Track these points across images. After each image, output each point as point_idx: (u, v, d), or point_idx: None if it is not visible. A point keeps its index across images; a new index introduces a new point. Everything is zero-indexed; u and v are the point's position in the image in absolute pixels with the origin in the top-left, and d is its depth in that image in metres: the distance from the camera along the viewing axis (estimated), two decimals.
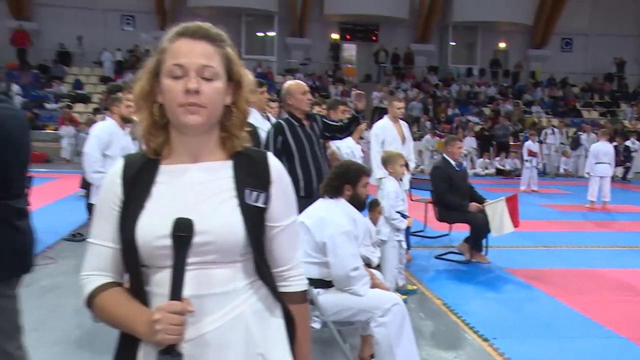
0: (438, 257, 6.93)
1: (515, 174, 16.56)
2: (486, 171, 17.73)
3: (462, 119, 20.38)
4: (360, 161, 5.62)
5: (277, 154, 4.38)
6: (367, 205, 5.26)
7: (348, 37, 25.32)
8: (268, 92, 6.23)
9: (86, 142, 5.47)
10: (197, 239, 1.36)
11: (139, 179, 1.46)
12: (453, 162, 6.77)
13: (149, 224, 1.39)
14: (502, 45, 25.54)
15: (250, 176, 1.48)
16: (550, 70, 24.47)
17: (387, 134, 6.67)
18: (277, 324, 1.51)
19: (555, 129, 18.82)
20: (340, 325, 3.59)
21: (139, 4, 23.08)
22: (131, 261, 1.41)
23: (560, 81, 24.17)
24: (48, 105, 20.10)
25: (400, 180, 5.66)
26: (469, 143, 18.39)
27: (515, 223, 6.46)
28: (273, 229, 1.49)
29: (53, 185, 11.89)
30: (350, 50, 25.89)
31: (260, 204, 1.45)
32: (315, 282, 3.40)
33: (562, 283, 5.93)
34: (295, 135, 4.66)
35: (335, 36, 24.95)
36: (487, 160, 18.11)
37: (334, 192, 3.59)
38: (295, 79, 22.32)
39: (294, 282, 1.56)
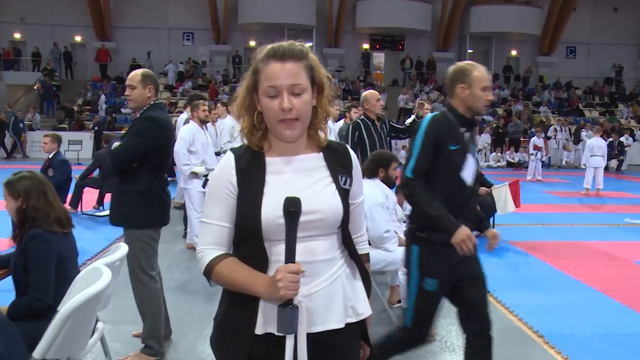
0: None
1: (523, 166, 16.90)
2: (498, 164, 18.10)
3: (477, 118, 20.64)
4: None
5: (353, 146, 5.16)
6: (395, 188, 5.95)
7: (377, 46, 25.72)
8: None
9: (175, 143, 6.24)
10: (308, 217, 1.48)
11: (250, 169, 1.55)
12: None
13: (270, 206, 1.48)
14: (513, 52, 25.66)
15: (339, 164, 1.60)
16: (556, 75, 24.51)
17: None
18: (359, 281, 1.64)
19: (562, 127, 19.03)
20: (375, 274, 4.28)
21: (197, 22, 23.90)
22: (254, 236, 1.51)
23: (565, 84, 24.21)
24: (123, 110, 21.16)
25: None
26: (485, 139, 18.81)
27: (517, 204, 7.01)
28: (352, 205, 1.62)
29: None
30: (379, 58, 26.33)
31: (347, 187, 1.59)
32: None
33: (554, 252, 6.47)
34: (369, 132, 5.38)
35: (365, 46, 25.39)
36: (499, 154, 18.46)
37: (371, 173, 4.25)
38: (330, 85, 22.99)
39: (364, 245, 1.72)
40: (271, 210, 1.47)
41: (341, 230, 1.57)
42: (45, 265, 2.62)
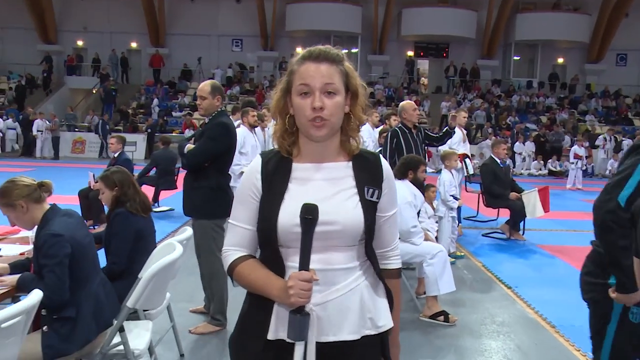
0: (484, 235, 7.92)
1: (565, 174, 16.93)
2: (540, 172, 18.17)
3: (521, 126, 20.76)
4: None
5: (392, 152, 5.76)
6: (424, 188, 6.46)
7: (422, 54, 26.06)
8: None
9: None
10: (327, 228, 1.47)
11: (276, 174, 1.55)
12: (498, 160, 7.75)
13: (288, 213, 1.48)
14: (560, 60, 25.50)
15: (367, 175, 1.56)
16: (604, 83, 24.22)
17: (455, 136, 7.75)
18: (382, 295, 1.61)
19: (611, 136, 18.87)
20: (402, 265, 4.80)
21: (246, 29, 24.83)
22: (270, 241, 1.51)
23: (613, 93, 23.90)
24: (174, 114, 22.26)
25: (456, 170, 6.81)
26: (529, 147, 18.92)
27: (546, 209, 7.37)
28: (381, 218, 1.58)
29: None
30: (423, 65, 26.65)
31: (374, 199, 1.54)
32: None
33: (579, 255, 6.74)
34: (406, 139, 5.94)
35: (410, 53, 25.77)
36: (540, 162, 18.52)
37: (401, 175, 4.78)
38: (375, 91, 23.54)
39: (393, 260, 1.68)
40: (288, 217, 1.47)
41: (364, 243, 1.54)
42: (123, 236, 3.27)
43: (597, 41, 24.13)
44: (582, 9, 24.32)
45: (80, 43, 25.01)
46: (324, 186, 1.52)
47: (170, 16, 24.68)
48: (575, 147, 14.37)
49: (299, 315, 1.42)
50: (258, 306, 1.55)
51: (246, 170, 1.60)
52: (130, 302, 2.72)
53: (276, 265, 1.51)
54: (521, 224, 7.68)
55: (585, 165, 15.18)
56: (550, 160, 18.43)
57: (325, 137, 1.51)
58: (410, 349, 3.91)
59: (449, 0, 24.53)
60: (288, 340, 1.46)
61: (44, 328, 2.55)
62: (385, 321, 1.59)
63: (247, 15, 24.32)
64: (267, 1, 23.52)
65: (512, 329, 4.41)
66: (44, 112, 19.64)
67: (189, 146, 3.97)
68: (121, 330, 2.73)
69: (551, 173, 17.96)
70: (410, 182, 4.80)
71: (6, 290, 2.57)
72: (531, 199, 7.32)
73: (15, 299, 2.81)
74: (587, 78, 24.97)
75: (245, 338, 1.57)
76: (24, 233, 3.67)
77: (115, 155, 7.63)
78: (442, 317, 4.47)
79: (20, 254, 3.15)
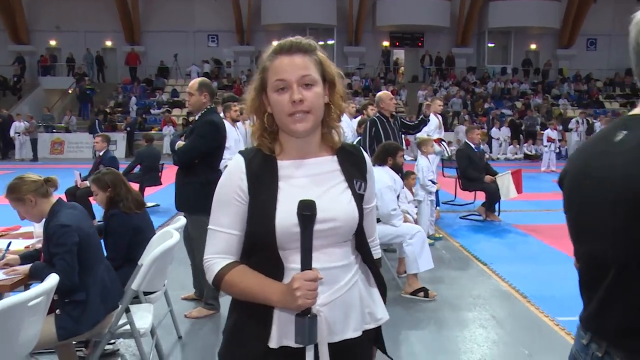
0: (462, 217, 8.28)
1: (540, 157, 17.46)
2: (515, 156, 18.69)
3: (497, 112, 21.25)
4: None
5: (371, 140, 6.06)
6: (404, 174, 6.78)
7: (397, 43, 26.40)
8: None
9: None
10: (324, 226, 1.42)
11: (262, 174, 1.47)
12: (473, 145, 8.10)
13: (285, 213, 1.41)
14: (532, 46, 26.07)
15: (354, 168, 1.54)
16: (576, 68, 24.84)
17: (431, 123, 8.07)
18: (374, 287, 1.59)
19: (583, 119, 19.43)
20: (383, 246, 5.10)
21: (221, 24, 24.87)
22: (268, 245, 1.43)
23: (585, 77, 24.55)
24: (153, 111, 22.27)
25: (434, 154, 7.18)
26: (504, 132, 19.42)
27: (519, 190, 7.75)
28: (366, 209, 1.55)
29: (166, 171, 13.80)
30: (399, 55, 27.03)
31: (362, 192, 1.53)
32: None
33: (552, 233, 7.17)
34: (384, 128, 6.24)
35: (385, 43, 26.10)
36: (516, 147, 19.04)
37: (381, 161, 5.07)
38: (352, 82, 23.83)
39: (376, 250, 1.65)
40: (285, 217, 1.40)
41: (356, 236, 1.52)
42: (119, 236, 3.51)
43: (568, 27, 24.73)
44: None
45: (53, 43, 24.80)
46: (315, 183, 1.47)
47: (145, 13, 24.62)
48: (549, 130, 14.87)
49: (308, 318, 1.34)
50: (251, 315, 1.46)
51: (226, 171, 1.51)
52: (134, 285, 2.96)
53: (275, 269, 1.43)
54: (496, 205, 8.05)
55: (559, 148, 15.68)
56: (525, 145, 18.96)
57: (308, 131, 1.45)
58: (393, 323, 4.19)
59: None
60: (295, 345, 1.39)
61: (57, 311, 2.78)
62: (382, 313, 1.58)
63: (223, 11, 24.36)
64: None
65: (488, 301, 4.75)
66: (20, 114, 19.53)
67: (180, 143, 4.19)
68: (127, 311, 2.98)
69: (527, 157, 18.49)
70: (390, 167, 5.09)
71: (20, 278, 2.79)
72: (505, 182, 7.69)
73: (27, 287, 3.03)
74: (559, 63, 25.58)
75: (241, 353, 1.47)
76: (25, 229, 3.89)
77: (101, 153, 7.80)
78: (422, 293, 4.78)
79: (26, 247, 3.36)
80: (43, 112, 21.00)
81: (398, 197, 5.97)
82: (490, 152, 19.00)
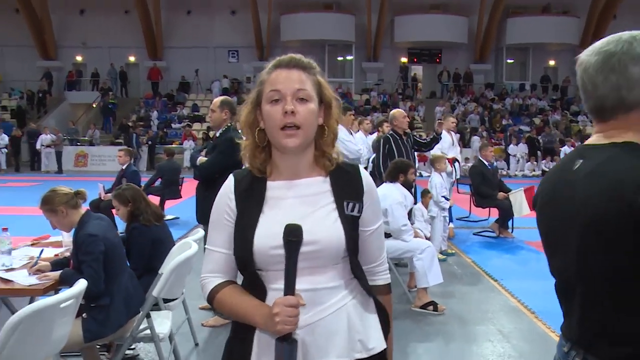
0: (475, 234, 8.38)
1: None
2: (533, 172, 18.66)
3: (514, 129, 21.28)
4: None
5: (384, 157, 6.23)
6: (421, 193, 6.94)
7: (415, 60, 26.64)
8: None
9: None
10: (308, 248, 1.38)
11: (250, 195, 1.48)
12: (486, 162, 8.22)
13: (264, 236, 1.41)
14: (551, 62, 26.08)
15: (346, 189, 1.49)
16: None
17: (445, 141, 8.22)
18: (372, 314, 1.53)
19: None
20: (394, 261, 5.25)
21: (242, 40, 25.36)
22: (248, 266, 1.44)
23: None
24: (174, 125, 22.76)
25: (446, 172, 7.31)
26: (522, 149, 19.44)
27: (532, 208, 7.82)
28: (365, 232, 1.51)
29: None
30: (417, 71, 27.23)
31: (355, 213, 1.47)
32: None
33: None
34: (397, 145, 6.44)
35: (404, 60, 26.34)
36: (534, 163, 19.02)
37: (392, 178, 5.24)
38: (370, 97, 24.07)
39: (382, 276, 1.59)
40: (264, 240, 1.40)
41: (348, 260, 1.47)
42: (140, 248, 3.73)
43: (587, 43, 24.27)
44: (571, 12, 24.93)
45: (79, 58, 25.55)
46: (301, 204, 1.45)
47: (167, 29, 25.23)
48: (566, 147, 14.90)
49: (286, 343, 1.34)
50: (238, 333, 1.49)
51: (219, 192, 1.54)
52: (155, 292, 3.17)
53: (257, 290, 1.44)
54: (510, 222, 8.13)
55: None
56: (543, 161, 18.93)
57: (298, 148, 1.44)
58: (402, 335, 4.35)
59: (440, 6, 25.08)
60: None
61: (84, 315, 3.00)
62: (376, 342, 1.50)
63: (243, 27, 24.86)
64: (261, 12, 24.09)
65: (496, 316, 4.87)
66: (47, 127, 20.13)
67: (201, 159, 4.42)
68: (147, 316, 3.19)
69: (544, 173, 18.42)
70: (401, 184, 5.26)
71: (51, 283, 3.02)
72: (518, 199, 7.79)
73: (57, 292, 3.25)
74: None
75: None
76: (54, 238, 4.13)
77: (124, 167, 8.09)
78: (431, 307, 4.91)
79: (55, 255, 3.59)
80: (68, 126, 21.60)
81: (412, 213, 6.16)
82: (508, 168, 19.01)
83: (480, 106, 23.63)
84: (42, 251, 3.49)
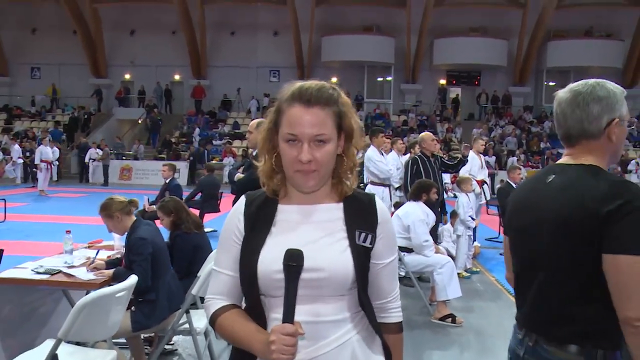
0: (502, 254, 8.54)
1: None
2: None
3: (552, 152, 21.17)
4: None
5: (412, 177, 6.60)
6: (450, 214, 7.28)
7: (454, 82, 26.85)
8: (385, 129, 8.58)
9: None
10: (312, 275, 1.35)
11: (259, 216, 1.45)
12: (514, 184, 8.44)
13: (269, 259, 1.38)
14: None
15: (360, 218, 1.45)
16: None
17: (474, 163, 8.50)
18: (378, 352, 1.48)
19: None
20: (416, 274, 5.58)
21: (283, 61, 26.06)
22: (251, 290, 1.41)
23: None
24: (215, 142, 23.57)
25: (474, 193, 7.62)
26: None
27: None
28: (377, 265, 1.46)
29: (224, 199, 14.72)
30: (455, 93, 27.41)
31: (367, 244, 1.43)
32: (402, 249, 5.42)
33: None
34: (425, 166, 6.82)
35: (442, 82, 26.61)
36: None
37: (415, 197, 5.59)
38: (408, 119, 24.38)
39: (393, 313, 1.54)
40: (269, 263, 1.37)
41: (356, 292, 1.42)
42: (182, 254, 4.20)
43: (632, 67, 24.44)
44: (615, 36, 24.74)
45: (127, 76, 26.84)
46: (310, 230, 1.42)
47: (212, 49, 26.26)
48: None
49: None
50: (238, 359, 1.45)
51: (230, 212, 1.52)
52: (194, 291, 3.61)
53: (258, 316, 1.41)
54: None
55: None
56: None
57: (314, 188, 1.42)
58: (421, 344, 4.67)
59: (479, 29, 25.30)
60: None
61: (132, 308, 3.46)
62: None
63: (284, 47, 25.64)
64: (303, 34, 24.84)
65: (490, 307, 5.13)
66: (95, 142, 21.26)
67: (239, 175, 4.88)
68: (187, 312, 3.63)
69: None
70: (424, 202, 5.60)
71: (105, 279, 3.50)
72: None
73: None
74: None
75: None
76: (106, 242, 4.65)
77: (167, 181, 8.68)
78: (450, 319, 5.21)
79: (108, 257, 4.09)
80: (115, 141, 22.69)
81: (440, 233, 6.48)
82: None
83: (518, 128, 23.60)
84: (98, 252, 4.00)
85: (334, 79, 26.46)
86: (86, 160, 20.16)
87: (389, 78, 26.54)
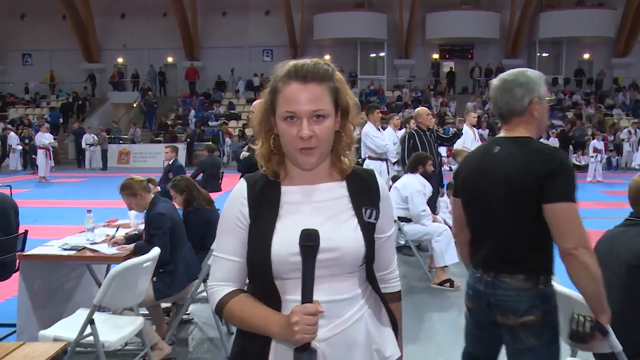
0: None
1: (587, 168, 17.63)
2: None
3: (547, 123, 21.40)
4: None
5: (409, 151, 6.86)
6: (446, 185, 7.54)
7: (447, 56, 26.95)
8: (379, 105, 8.79)
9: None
10: (327, 255, 1.36)
11: (264, 200, 1.44)
12: None
13: (282, 242, 1.38)
14: (586, 55, 26.01)
15: (363, 195, 1.48)
16: (633, 76, 24.64)
17: (467, 136, 8.76)
18: (386, 322, 1.54)
19: (636, 129, 19.45)
20: (415, 243, 5.90)
21: (276, 40, 26.05)
22: (263, 274, 1.40)
23: None
24: (211, 123, 23.70)
25: None
26: (553, 143, 19.65)
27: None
28: (380, 239, 1.50)
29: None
30: (448, 67, 27.53)
31: (372, 220, 1.46)
32: (402, 219, 5.72)
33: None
34: (421, 140, 7.08)
35: (435, 56, 26.69)
36: None
37: (412, 169, 5.86)
38: (402, 94, 24.56)
39: (393, 283, 1.60)
40: (283, 246, 1.37)
41: (365, 267, 1.46)
42: (196, 229, 4.46)
43: (624, 35, 24.59)
44: (607, 4, 24.81)
45: (120, 60, 26.85)
46: (318, 210, 1.43)
47: (204, 31, 26.25)
48: (595, 141, 15.14)
49: (306, 353, 1.31)
50: (252, 346, 1.44)
51: (229, 197, 1.49)
52: (210, 261, 3.90)
53: (272, 299, 1.40)
54: None
55: (606, 158, 15.86)
56: (575, 155, 19.11)
57: (315, 165, 1.42)
58: (421, 307, 4.99)
59: (471, 2, 25.36)
60: None
61: (154, 278, 3.75)
62: (392, 351, 1.52)
63: (276, 27, 25.64)
64: (294, 12, 24.84)
65: None
66: (90, 127, 21.41)
67: (244, 153, 5.13)
68: (204, 281, 3.92)
69: (576, 167, 18.62)
70: (420, 174, 5.88)
71: (127, 253, 3.78)
72: None
73: None
74: (614, 72, 25.43)
75: None
76: (122, 221, 4.93)
77: (170, 162, 8.93)
78: (448, 284, 5.53)
79: (125, 233, 4.37)
80: (110, 125, 22.82)
81: (436, 204, 6.76)
82: None
83: None
84: (117, 229, 4.27)
85: (327, 57, 26.48)
86: (83, 145, 20.32)
87: (382, 54, 26.62)
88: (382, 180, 1.55)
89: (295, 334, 1.28)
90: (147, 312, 4.15)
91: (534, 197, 2.02)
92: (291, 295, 1.38)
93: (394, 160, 8.17)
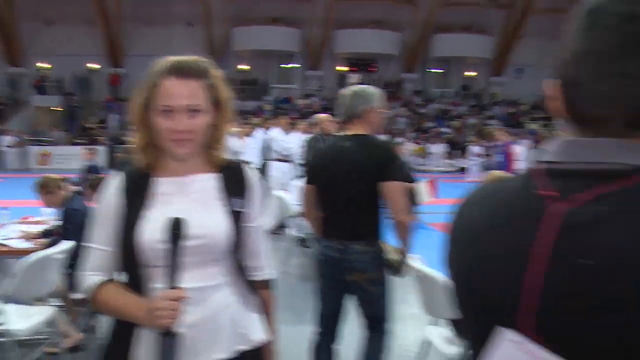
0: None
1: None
2: (449, 168, 20.17)
3: (437, 130, 22.72)
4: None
5: (311, 151, 7.08)
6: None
7: (353, 69, 27.81)
8: (290, 112, 9.05)
9: None
10: (194, 242, 1.33)
11: (137, 191, 1.41)
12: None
13: (151, 230, 1.34)
14: (472, 73, 27.76)
15: (233, 186, 1.46)
16: (507, 93, 26.60)
17: None
18: (254, 308, 1.52)
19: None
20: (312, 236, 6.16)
21: (197, 50, 25.09)
22: (132, 262, 1.37)
23: (512, 102, 26.36)
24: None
25: None
26: (440, 148, 20.89)
27: (432, 195, 8.94)
28: (249, 228, 1.47)
29: None
30: (354, 78, 28.32)
31: (241, 209, 1.45)
32: (302, 214, 5.96)
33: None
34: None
35: (342, 68, 27.48)
36: (451, 160, 20.52)
37: None
38: (311, 103, 25.00)
39: (263, 271, 1.57)
40: (150, 234, 1.34)
41: (232, 256, 1.44)
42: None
43: (499, 58, 26.52)
44: (487, 31, 26.60)
45: (44, 65, 25.30)
46: (188, 200, 1.41)
47: (128, 39, 25.33)
48: (471, 146, 16.31)
49: (168, 338, 1.27)
50: (120, 333, 1.41)
51: (105, 186, 1.46)
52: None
53: (141, 287, 1.37)
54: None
55: (484, 161, 17.07)
56: (460, 159, 20.41)
57: (189, 156, 1.41)
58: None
59: (376, 22, 26.30)
60: None
61: (68, 270, 3.74)
62: (258, 335, 1.51)
63: (198, 38, 25.25)
64: (216, 26, 24.58)
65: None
66: (11, 130, 20.10)
67: None
68: None
69: (462, 169, 19.91)
70: None
71: (42, 248, 3.75)
72: (421, 188, 8.87)
73: None
74: (492, 89, 27.34)
75: None
76: (37, 218, 4.81)
77: (88, 164, 8.69)
78: None
79: (44, 229, 4.30)
80: (33, 128, 21.51)
81: None
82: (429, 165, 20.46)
83: (409, 110, 24.98)
84: (31, 226, 4.19)
85: (246, 67, 26.54)
86: (1, 148, 19.07)
87: (295, 65, 26.95)
88: (252, 172, 1.54)
89: (157, 319, 1.26)
90: (62, 303, 4.11)
91: (376, 179, 2.50)
92: (157, 284, 1.35)
93: (299, 162, 8.43)
